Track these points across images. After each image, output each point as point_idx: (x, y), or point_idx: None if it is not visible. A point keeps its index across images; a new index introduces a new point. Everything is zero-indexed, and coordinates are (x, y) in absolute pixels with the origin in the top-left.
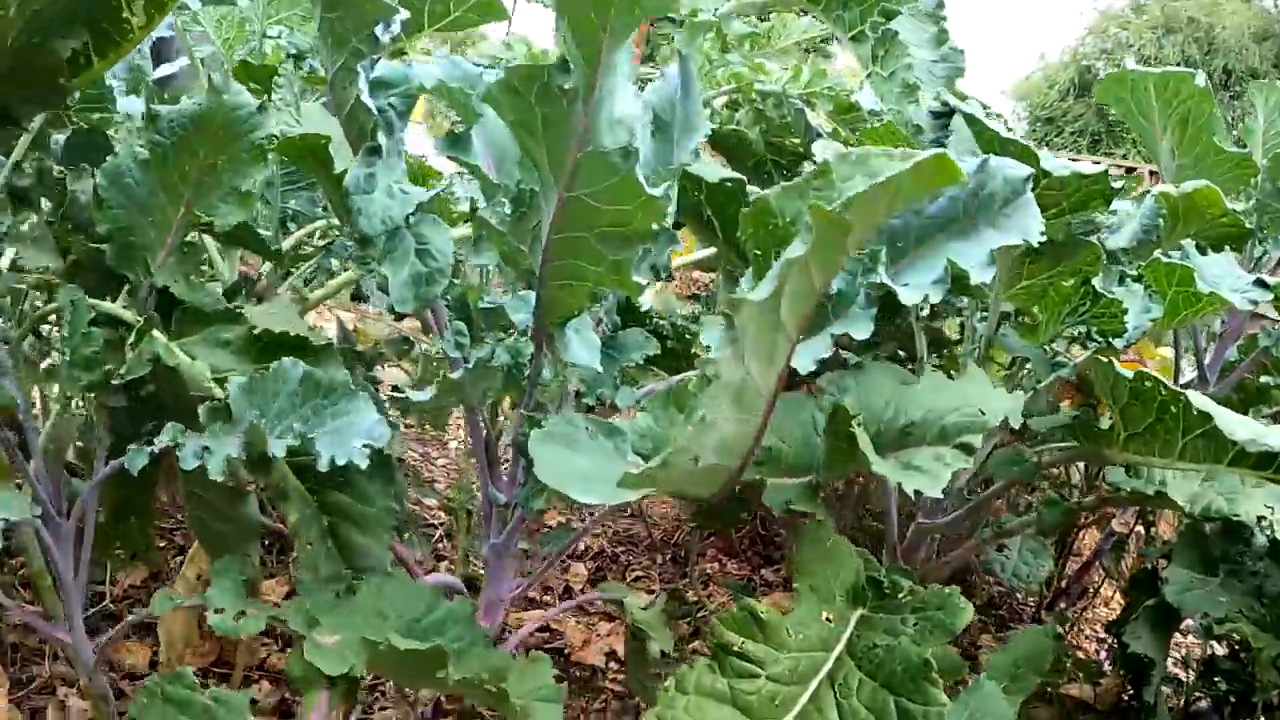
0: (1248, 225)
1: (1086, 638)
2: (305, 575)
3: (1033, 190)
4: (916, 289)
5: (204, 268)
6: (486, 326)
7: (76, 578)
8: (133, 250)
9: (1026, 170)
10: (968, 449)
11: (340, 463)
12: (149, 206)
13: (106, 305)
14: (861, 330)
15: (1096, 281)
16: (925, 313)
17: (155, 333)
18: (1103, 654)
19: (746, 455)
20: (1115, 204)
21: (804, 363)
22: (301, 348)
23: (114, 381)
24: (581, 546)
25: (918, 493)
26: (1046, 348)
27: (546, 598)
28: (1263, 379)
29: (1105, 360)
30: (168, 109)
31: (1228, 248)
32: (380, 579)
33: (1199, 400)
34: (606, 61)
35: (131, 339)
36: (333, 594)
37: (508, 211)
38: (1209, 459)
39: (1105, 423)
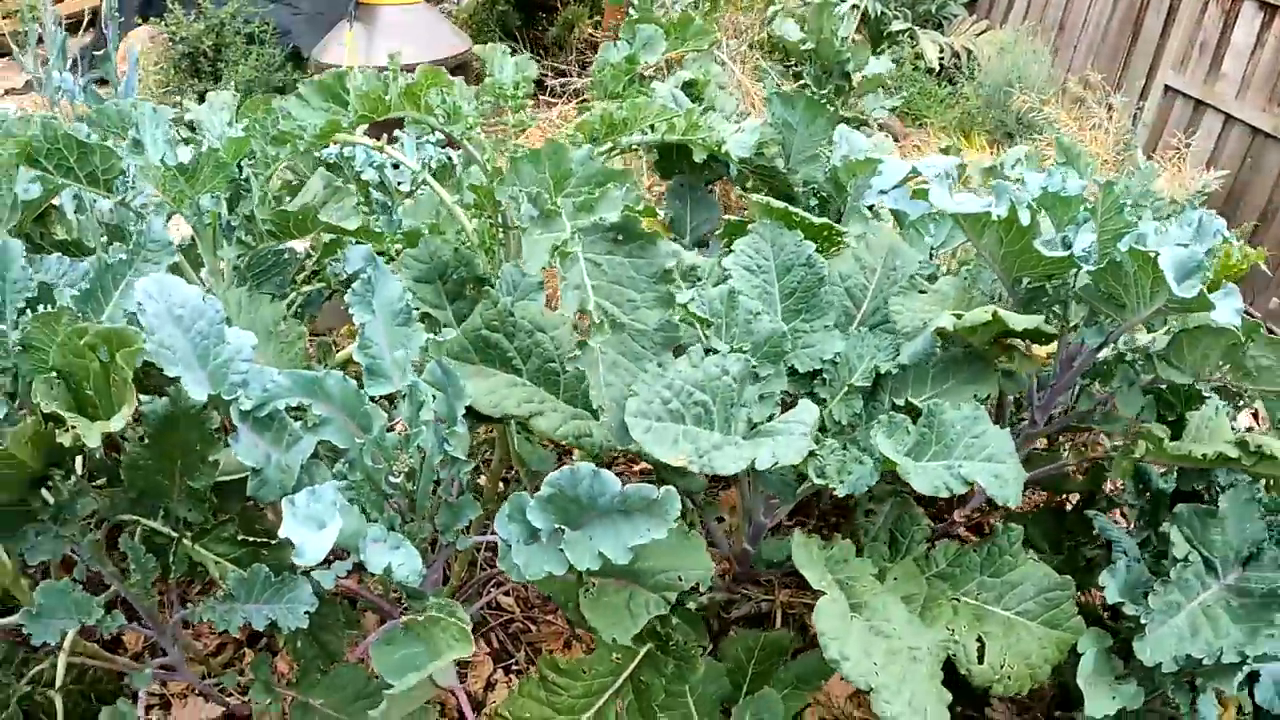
0: None
1: None
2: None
3: None
4: None
5: None
6: None
7: None
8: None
9: None
10: (666, 600)
11: (291, 628)
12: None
13: (148, 522)
14: None
15: None
16: None
17: (185, 540)
18: None
19: None
20: None
21: None
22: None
23: None
24: None
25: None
26: None
27: None
28: None
29: None
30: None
31: None
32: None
33: None
34: None
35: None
36: (317, 674)
37: None
38: None
39: None
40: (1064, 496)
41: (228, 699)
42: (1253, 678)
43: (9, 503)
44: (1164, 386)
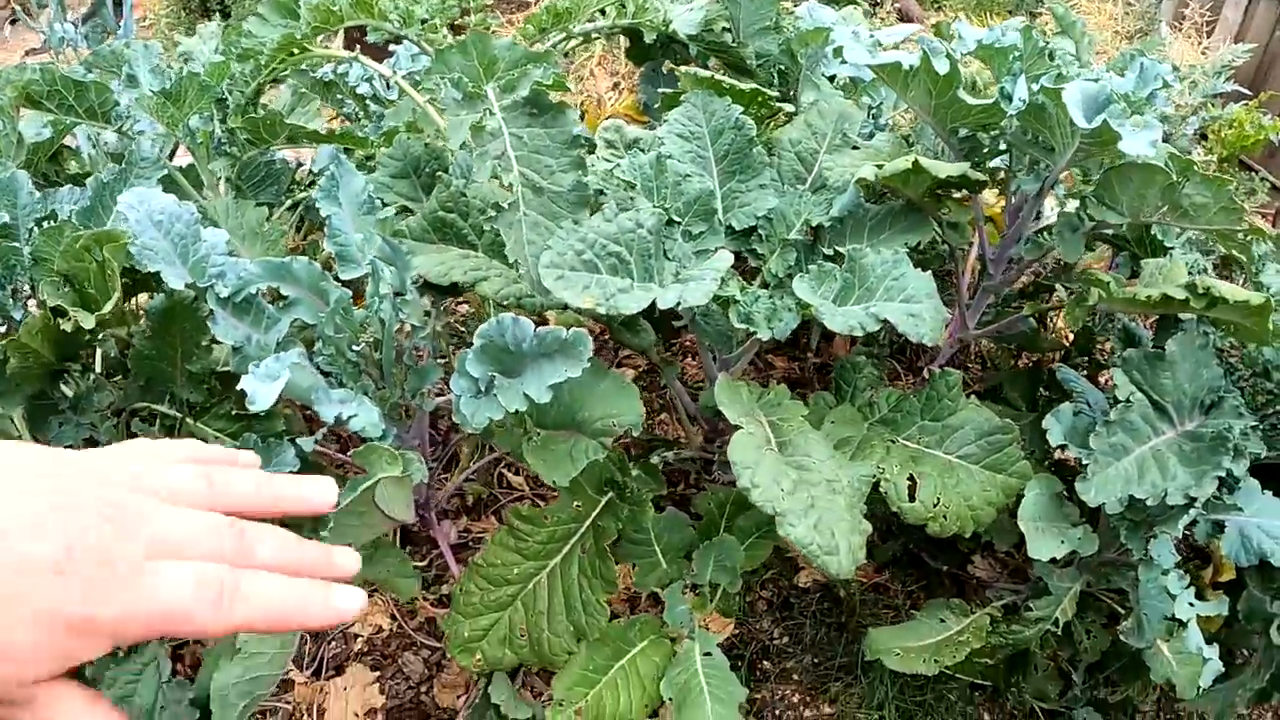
0: None
1: None
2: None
3: None
4: None
5: None
6: None
7: None
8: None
9: None
10: (603, 446)
11: None
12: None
13: (156, 407)
14: None
15: None
16: None
17: (188, 419)
18: None
19: None
20: None
21: None
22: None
23: None
24: None
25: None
26: None
27: None
28: None
29: None
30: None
31: None
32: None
33: None
34: None
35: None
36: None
37: None
38: None
39: None
40: (1051, 357)
41: None
42: (1219, 528)
43: (34, 395)
44: (1110, 233)
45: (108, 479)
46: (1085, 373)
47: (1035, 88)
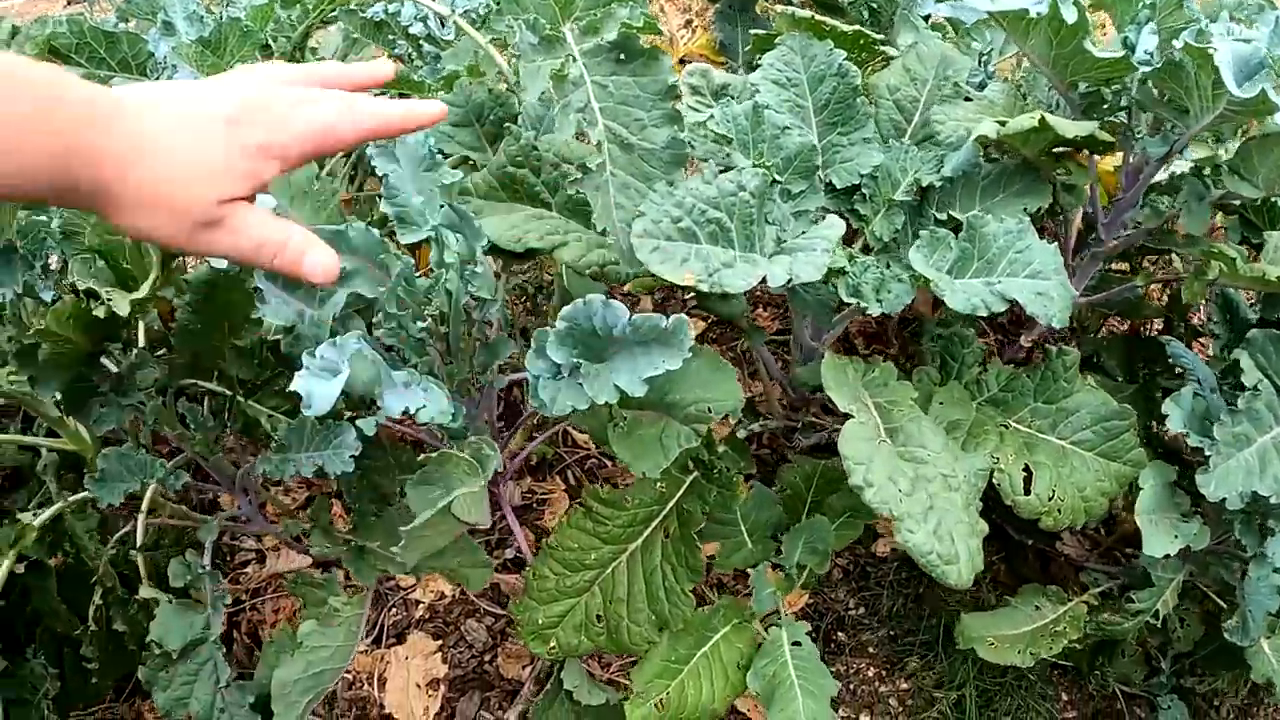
0: None
1: None
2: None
3: None
4: None
5: None
6: None
7: None
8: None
9: None
10: (697, 433)
11: (337, 473)
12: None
13: (205, 384)
14: None
15: None
16: None
17: (239, 398)
18: None
19: None
20: None
21: None
22: None
23: None
24: None
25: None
26: None
27: None
28: None
29: None
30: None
31: None
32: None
33: None
34: None
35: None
36: (371, 518)
37: None
38: None
39: None
40: (1143, 323)
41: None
42: None
43: (74, 379)
44: (1238, 203)
45: (250, 76)
46: (1182, 340)
47: (1179, 44)
